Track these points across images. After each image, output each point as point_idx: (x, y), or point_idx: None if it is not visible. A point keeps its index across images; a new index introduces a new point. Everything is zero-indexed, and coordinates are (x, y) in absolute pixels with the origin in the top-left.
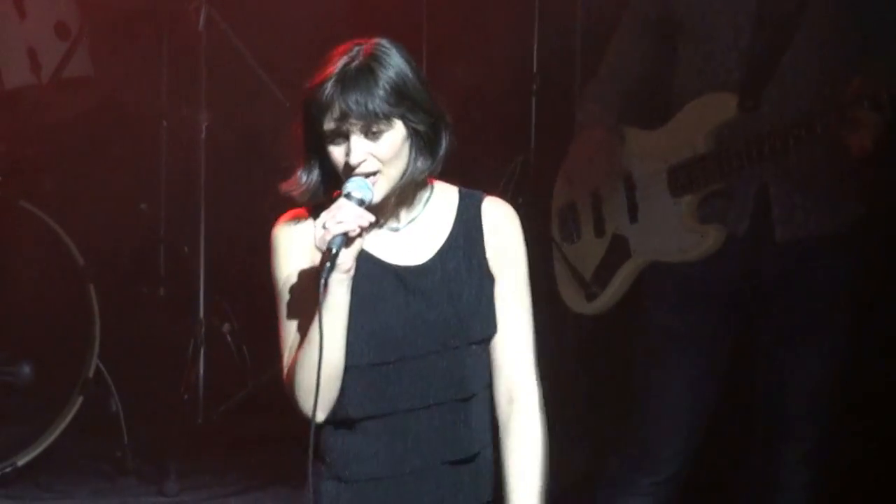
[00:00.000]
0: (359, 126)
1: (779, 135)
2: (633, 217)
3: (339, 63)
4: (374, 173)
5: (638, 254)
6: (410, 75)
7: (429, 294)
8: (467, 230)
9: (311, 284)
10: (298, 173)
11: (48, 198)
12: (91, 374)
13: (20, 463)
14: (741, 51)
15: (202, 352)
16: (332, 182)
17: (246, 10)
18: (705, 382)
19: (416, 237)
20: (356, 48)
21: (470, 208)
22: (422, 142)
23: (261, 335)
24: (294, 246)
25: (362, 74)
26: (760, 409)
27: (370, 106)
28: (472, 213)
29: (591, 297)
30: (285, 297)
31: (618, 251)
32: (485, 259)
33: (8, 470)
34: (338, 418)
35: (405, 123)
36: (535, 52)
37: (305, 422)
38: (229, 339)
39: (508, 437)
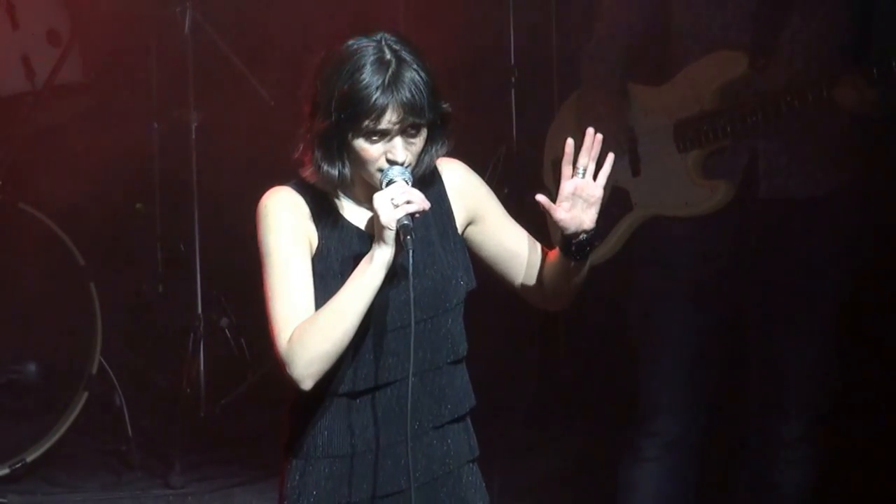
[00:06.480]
0: (402, 126)
1: (785, 95)
2: (636, 171)
3: (372, 64)
4: (409, 165)
5: (640, 207)
6: (431, 71)
7: (414, 265)
8: (433, 198)
9: (307, 253)
10: (324, 168)
11: (47, 200)
12: (94, 370)
13: (29, 459)
14: (751, 12)
15: (202, 346)
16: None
17: (230, 13)
18: (696, 341)
19: None
20: (377, 46)
21: (431, 176)
22: (438, 130)
23: (258, 328)
24: (287, 216)
25: (410, 80)
26: (756, 385)
27: (424, 112)
28: (435, 180)
29: None
30: (282, 264)
31: (618, 204)
32: (453, 220)
33: (17, 466)
34: (329, 394)
35: (432, 117)
36: (511, 45)
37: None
38: (228, 333)
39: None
